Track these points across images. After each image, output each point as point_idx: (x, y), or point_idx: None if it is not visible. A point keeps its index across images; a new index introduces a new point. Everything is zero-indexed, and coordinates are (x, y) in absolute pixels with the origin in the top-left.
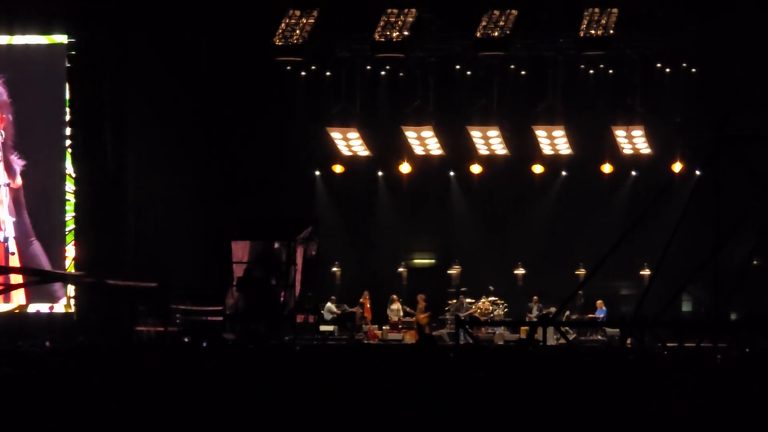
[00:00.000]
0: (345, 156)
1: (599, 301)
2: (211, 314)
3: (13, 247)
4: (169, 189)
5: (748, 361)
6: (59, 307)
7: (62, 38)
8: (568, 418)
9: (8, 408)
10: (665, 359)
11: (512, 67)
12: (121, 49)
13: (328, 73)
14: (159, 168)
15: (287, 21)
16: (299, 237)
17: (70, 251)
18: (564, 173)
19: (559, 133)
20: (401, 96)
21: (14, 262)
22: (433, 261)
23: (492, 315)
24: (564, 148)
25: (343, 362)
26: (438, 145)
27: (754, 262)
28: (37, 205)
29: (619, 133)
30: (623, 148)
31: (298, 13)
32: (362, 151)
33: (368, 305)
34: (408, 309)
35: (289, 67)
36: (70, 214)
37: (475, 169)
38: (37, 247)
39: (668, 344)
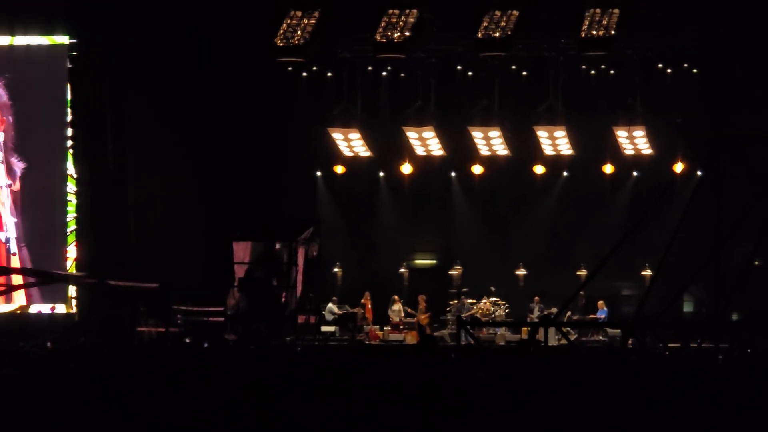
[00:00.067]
0: (346, 156)
1: (600, 302)
2: (212, 315)
3: (14, 247)
4: (170, 189)
5: (750, 362)
6: (60, 308)
7: (63, 39)
8: (569, 418)
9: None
10: (666, 360)
11: (513, 67)
12: (123, 50)
13: (329, 74)
14: (160, 168)
15: (288, 22)
16: (300, 238)
17: (72, 252)
18: (565, 174)
19: (560, 133)
20: (402, 96)
21: (15, 262)
22: (434, 261)
23: (493, 316)
24: (565, 148)
25: (345, 363)
26: (439, 146)
27: (755, 263)
28: (38, 206)
29: (621, 134)
30: (624, 148)
31: (299, 13)
32: (363, 151)
33: (369, 306)
34: (409, 310)
35: (290, 68)
36: (71, 215)
37: (477, 169)
38: (24, 253)
39: (669, 345)
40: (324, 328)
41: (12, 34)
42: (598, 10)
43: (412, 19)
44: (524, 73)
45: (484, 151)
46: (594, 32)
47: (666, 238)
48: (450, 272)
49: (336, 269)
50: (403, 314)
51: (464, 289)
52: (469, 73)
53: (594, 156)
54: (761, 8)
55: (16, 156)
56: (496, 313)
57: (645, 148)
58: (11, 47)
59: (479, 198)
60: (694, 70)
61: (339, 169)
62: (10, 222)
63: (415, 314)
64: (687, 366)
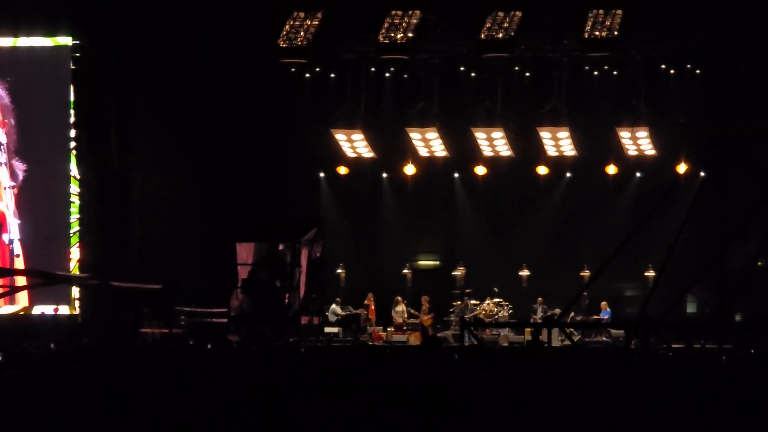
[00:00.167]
0: (349, 157)
1: (604, 303)
2: (215, 316)
3: (18, 249)
4: (173, 191)
5: (753, 362)
6: (64, 309)
7: (67, 40)
8: (573, 419)
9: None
10: (670, 360)
11: (517, 68)
12: (126, 51)
13: (332, 75)
14: (164, 170)
15: (291, 23)
16: (304, 239)
17: (75, 253)
18: (568, 174)
19: (563, 134)
20: (406, 97)
21: (19, 264)
22: (437, 262)
23: (497, 316)
24: (568, 149)
25: (348, 364)
26: (442, 147)
27: (759, 263)
28: (41, 208)
29: (624, 135)
30: (628, 149)
31: (302, 15)
32: (367, 152)
33: (373, 307)
34: (412, 311)
35: (293, 69)
36: (74, 216)
37: (480, 170)
38: (28, 255)
39: (673, 345)
40: (327, 329)
41: (15, 35)
42: (601, 11)
43: (415, 20)
44: (527, 74)
45: (487, 152)
46: (597, 33)
47: (669, 238)
48: (453, 273)
49: (339, 270)
50: (406, 315)
51: (467, 290)
52: (472, 74)
53: (597, 157)
54: (764, 9)
55: (20, 158)
56: (500, 314)
57: (648, 148)
58: (14, 48)
59: (482, 199)
60: (698, 71)
61: (342, 170)
62: (14, 224)
63: (418, 315)
64: (690, 367)
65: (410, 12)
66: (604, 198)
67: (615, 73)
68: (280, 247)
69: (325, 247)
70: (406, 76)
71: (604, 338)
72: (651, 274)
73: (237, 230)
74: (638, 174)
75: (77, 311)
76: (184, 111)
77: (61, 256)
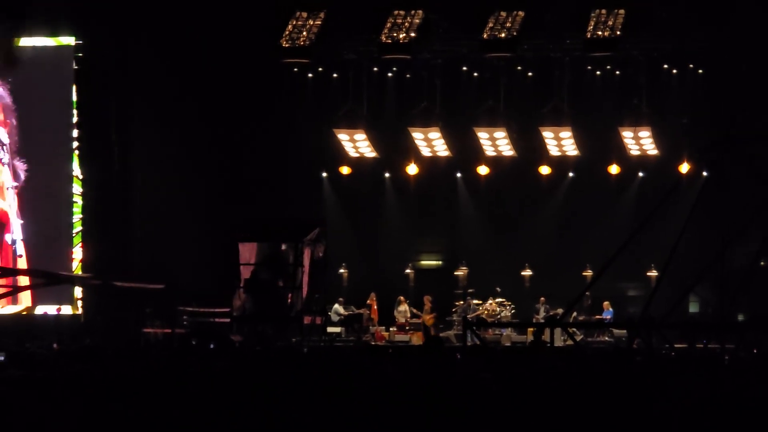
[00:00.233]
0: (352, 157)
1: (606, 303)
2: (218, 316)
3: (21, 249)
4: (176, 190)
5: (756, 362)
6: (66, 309)
7: (69, 40)
8: (575, 419)
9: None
10: (672, 360)
11: (519, 68)
12: (129, 51)
13: (334, 75)
14: (166, 170)
15: (294, 23)
16: (306, 239)
17: (77, 253)
18: (571, 174)
19: (566, 134)
20: (408, 97)
21: (22, 264)
22: (440, 262)
23: (499, 316)
24: (571, 149)
25: (350, 364)
26: (445, 147)
27: (761, 263)
28: (43, 208)
29: (626, 134)
30: (630, 149)
31: (304, 14)
32: (369, 152)
33: (375, 307)
34: (415, 310)
35: (296, 69)
36: (76, 216)
37: (482, 170)
38: (30, 255)
39: (675, 345)
40: (330, 329)
41: (18, 35)
42: (603, 11)
43: (417, 20)
44: (530, 73)
45: (489, 151)
46: (599, 33)
47: (672, 238)
48: (456, 273)
49: (342, 270)
50: (408, 315)
51: (470, 290)
52: (475, 74)
53: (599, 157)
54: (766, 9)
55: (22, 158)
56: (502, 314)
57: (651, 148)
58: (17, 48)
59: (485, 199)
60: (700, 71)
61: (345, 170)
62: (17, 224)
63: (420, 315)
64: (693, 367)
65: (412, 12)
66: (607, 198)
67: (617, 72)
68: (283, 247)
69: (327, 247)
70: (408, 75)
71: (606, 338)
72: (653, 273)
73: (239, 230)
74: (641, 174)
75: (80, 311)
76: (187, 110)
77: (63, 256)
